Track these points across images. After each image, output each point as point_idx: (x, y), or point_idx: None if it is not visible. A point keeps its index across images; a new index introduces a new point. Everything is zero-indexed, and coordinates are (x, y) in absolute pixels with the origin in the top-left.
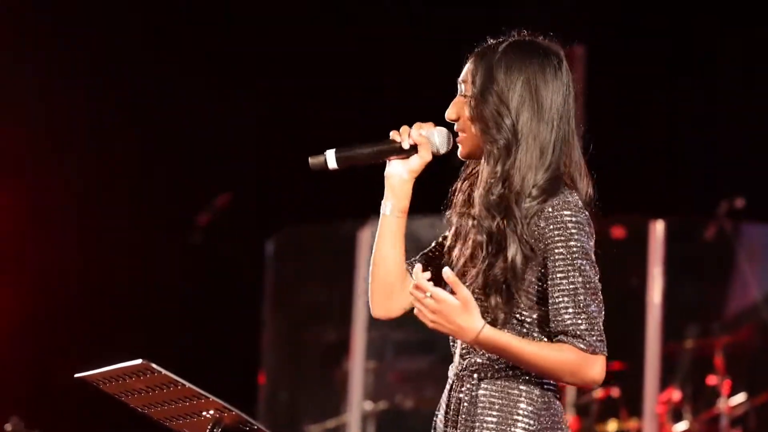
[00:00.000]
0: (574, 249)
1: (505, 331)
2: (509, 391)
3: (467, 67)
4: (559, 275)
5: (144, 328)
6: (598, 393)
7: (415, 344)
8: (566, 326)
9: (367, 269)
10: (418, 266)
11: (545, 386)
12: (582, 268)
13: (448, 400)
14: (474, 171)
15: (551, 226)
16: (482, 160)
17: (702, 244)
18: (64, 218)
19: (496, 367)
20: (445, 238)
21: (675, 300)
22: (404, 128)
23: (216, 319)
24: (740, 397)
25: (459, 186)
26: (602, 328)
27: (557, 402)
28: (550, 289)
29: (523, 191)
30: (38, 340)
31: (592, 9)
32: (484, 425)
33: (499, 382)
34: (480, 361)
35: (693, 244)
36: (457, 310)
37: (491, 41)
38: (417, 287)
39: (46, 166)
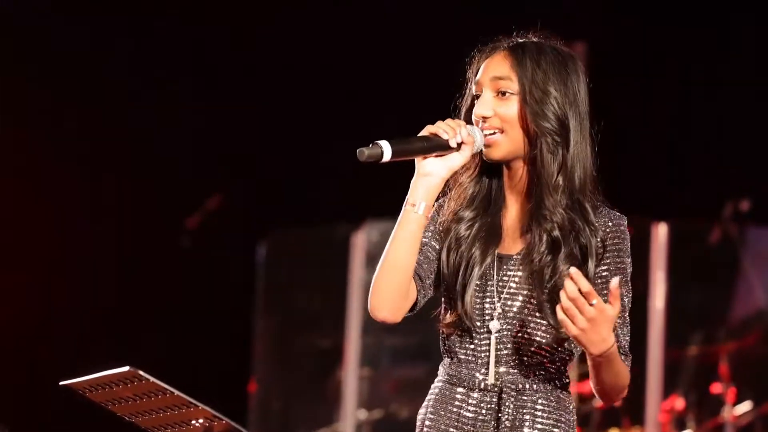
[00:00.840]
0: (628, 267)
1: (547, 343)
2: (559, 397)
3: (503, 63)
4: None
5: (132, 334)
6: (599, 402)
7: (411, 351)
8: (620, 344)
9: (362, 273)
10: (574, 269)
11: (568, 390)
12: (630, 287)
13: (488, 413)
14: (470, 172)
15: (613, 236)
16: (534, 156)
17: (706, 247)
18: (51, 222)
19: (530, 377)
20: (430, 233)
21: (678, 305)
22: (445, 124)
23: (206, 325)
24: (746, 406)
25: (456, 190)
26: None
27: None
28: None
29: (585, 187)
30: (24, 345)
31: (593, 5)
32: None
33: (542, 391)
34: (516, 371)
35: (697, 248)
36: (609, 322)
37: (517, 39)
38: (587, 294)
39: (32, 167)
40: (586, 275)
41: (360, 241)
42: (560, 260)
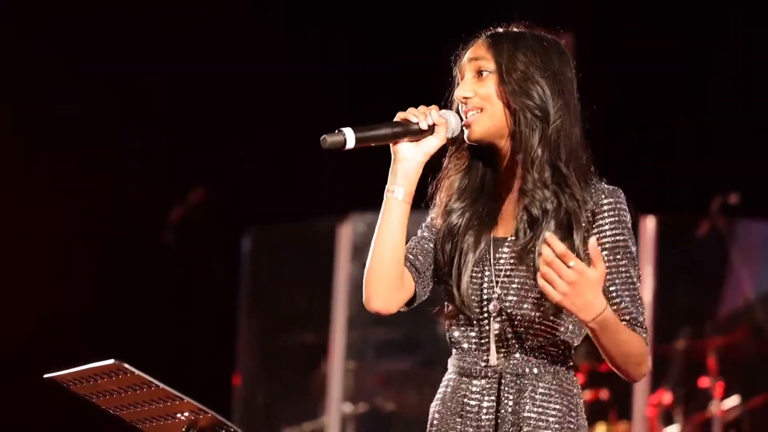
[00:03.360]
0: (630, 240)
1: (548, 325)
2: (561, 381)
3: (482, 47)
4: (618, 263)
5: (116, 328)
6: (587, 395)
7: (397, 344)
8: (633, 317)
9: (347, 266)
10: (549, 233)
11: (572, 374)
12: (634, 260)
13: (489, 400)
14: (458, 161)
15: (608, 210)
16: (515, 135)
17: (694, 241)
18: (34, 218)
19: (532, 361)
20: (425, 226)
21: (666, 300)
22: (418, 109)
23: (190, 319)
24: (733, 400)
25: (445, 180)
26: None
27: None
28: (609, 276)
29: (570, 160)
30: (6, 340)
31: None
32: (551, 421)
33: (543, 374)
34: (518, 355)
35: (685, 242)
36: (592, 284)
37: (506, 28)
38: (563, 255)
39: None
40: (573, 248)
41: (345, 233)
42: (542, 238)
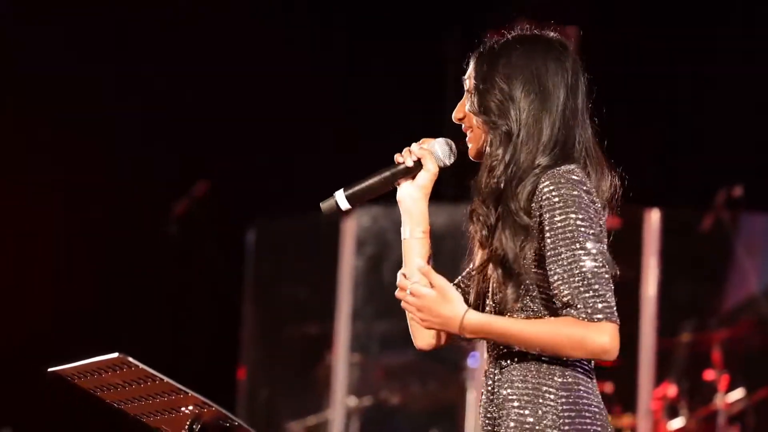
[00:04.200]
0: (573, 222)
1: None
2: (540, 366)
3: (472, 65)
4: (558, 249)
5: (120, 321)
6: None
7: (401, 337)
8: (565, 296)
9: (351, 259)
10: (408, 269)
11: (568, 367)
12: (577, 240)
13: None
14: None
15: (543, 202)
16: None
17: (699, 234)
18: (36, 209)
19: (517, 352)
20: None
21: (671, 293)
22: (406, 149)
23: (194, 312)
24: (738, 393)
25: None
26: (608, 293)
27: (584, 383)
28: (550, 264)
29: (526, 173)
30: (10, 333)
31: None
32: (511, 415)
33: (521, 368)
34: (507, 350)
35: (689, 235)
36: (437, 300)
37: (495, 40)
38: (400, 286)
39: (19, 156)
40: (541, 254)
41: (349, 226)
42: (495, 239)
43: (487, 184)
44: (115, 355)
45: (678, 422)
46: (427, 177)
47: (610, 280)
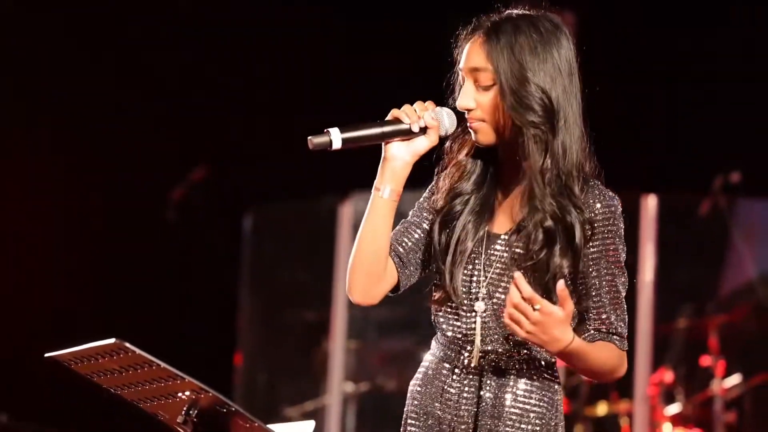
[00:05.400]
0: (620, 249)
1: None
2: (543, 377)
3: (479, 52)
4: (605, 272)
5: (117, 307)
6: None
7: (398, 323)
8: (612, 325)
9: (349, 245)
10: (518, 274)
11: (556, 378)
12: (623, 268)
13: (469, 392)
14: (460, 152)
15: (601, 220)
16: (521, 145)
17: (696, 220)
18: (34, 194)
19: (514, 357)
20: (414, 213)
21: (668, 278)
22: (410, 108)
23: (191, 298)
24: (735, 379)
25: (447, 170)
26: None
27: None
28: (594, 283)
29: (575, 169)
30: (7, 318)
31: None
32: (531, 417)
33: (526, 371)
34: (501, 350)
35: (687, 221)
36: (561, 323)
37: (491, 19)
38: (529, 299)
39: (19, 141)
40: (577, 258)
41: (346, 212)
42: (556, 255)
43: (548, 188)
44: (112, 340)
45: (675, 408)
46: (425, 146)
47: None
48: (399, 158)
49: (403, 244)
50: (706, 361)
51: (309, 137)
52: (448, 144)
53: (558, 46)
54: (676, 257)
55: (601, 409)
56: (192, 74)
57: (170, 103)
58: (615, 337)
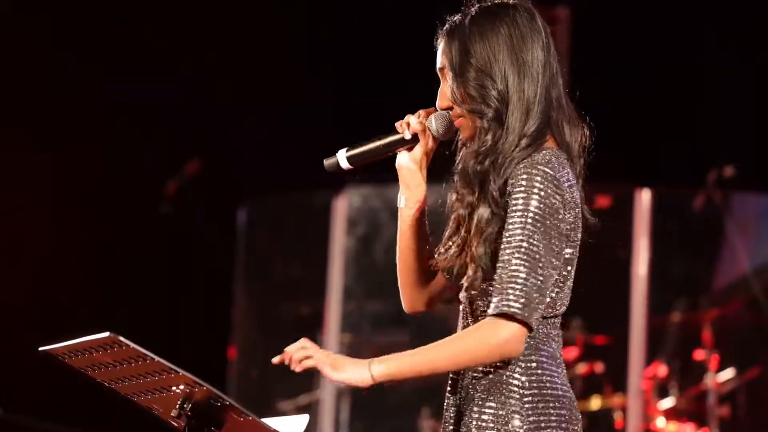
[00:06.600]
0: (523, 210)
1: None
2: (518, 365)
3: (442, 52)
4: (510, 230)
5: (111, 300)
6: (581, 368)
7: (392, 317)
8: (494, 290)
9: (342, 239)
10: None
11: (532, 353)
12: (525, 230)
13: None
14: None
15: (514, 187)
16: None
17: (690, 214)
18: (28, 188)
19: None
20: None
21: (662, 272)
22: (404, 119)
23: (185, 292)
24: (728, 373)
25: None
26: (527, 292)
27: (549, 368)
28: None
29: (512, 149)
30: (0, 312)
31: None
32: (475, 400)
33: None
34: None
35: (680, 215)
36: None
37: (456, 17)
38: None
39: (9, 136)
40: (479, 228)
41: (341, 206)
42: (474, 235)
43: (474, 168)
44: (106, 334)
45: (668, 402)
46: (421, 151)
47: (539, 279)
48: (404, 167)
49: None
50: (699, 355)
51: (324, 160)
52: (456, 140)
53: (515, 28)
54: (670, 251)
55: (595, 403)
56: (186, 68)
57: (165, 97)
58: (503, 304)
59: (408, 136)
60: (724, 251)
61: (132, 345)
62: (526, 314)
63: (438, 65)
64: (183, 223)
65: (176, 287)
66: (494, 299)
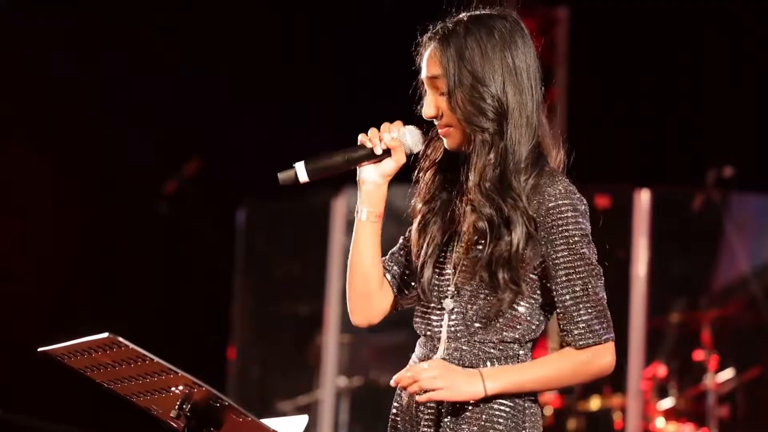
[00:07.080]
0: (582, 241)
1: (499, 322)
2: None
3: (434, 60)
4: (572, 275)
5: (110, 301)
6: None
7: (391, 318)
8: (570, 335)
9: (342, 239)
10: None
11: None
12: (584, 255)
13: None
14: (434, 156)
15: (552, 217)
16: (472, 148)
17: (689, 214)
18: (27, 187)
19: (480, 355)
20: (409, 231)
21: (661, 272)
22: (374, 132)
23: (185, 292)
24: (728, 373)
25: (422, 174)
26: (608, 311)
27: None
28: (555, 283)
29: (518, 166)
30: (1, 312)
31: None
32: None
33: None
34: (466, 348)
35: (680, 215)
36: (445, 368)
37: (445, 24)
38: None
39: (8, 134)
40: (516, 251)
41: (339, 206)
42: (495, 246)
43: (486, 187)
44: (105, 334)
45: (667, 402)
46: (393, 167)
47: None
48: (370, 181)
49: (393, 268)
50: (699, 355)
51: (278, 173)
52: (422, 149)
53: (511, 41)
54: (669, 251)
55: (594, 403)
56: (185, 68)
57: (163, 97)
58: (578, 337)
59: (379, 151)
60: (724, 251)
61: (131, 345)
62: (612, 332)
63: (426, 73)
64: (182, 222)
65: (175, 287)
66: (590, 325)
